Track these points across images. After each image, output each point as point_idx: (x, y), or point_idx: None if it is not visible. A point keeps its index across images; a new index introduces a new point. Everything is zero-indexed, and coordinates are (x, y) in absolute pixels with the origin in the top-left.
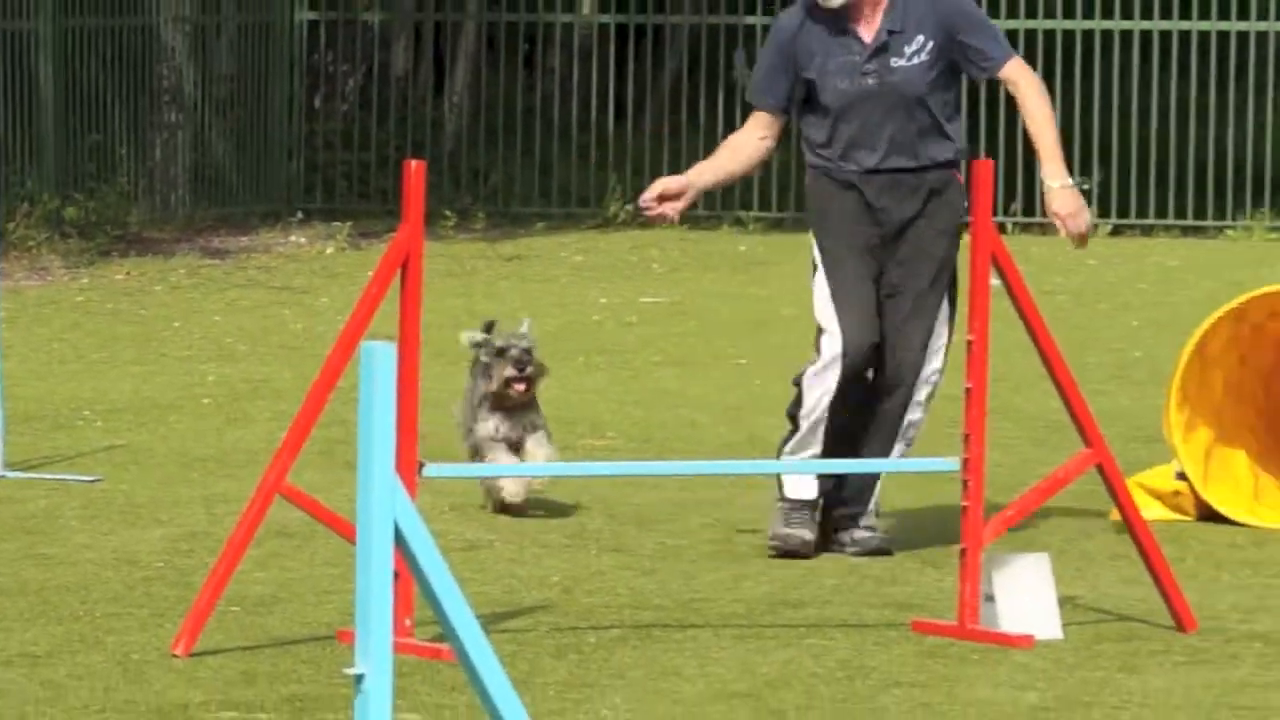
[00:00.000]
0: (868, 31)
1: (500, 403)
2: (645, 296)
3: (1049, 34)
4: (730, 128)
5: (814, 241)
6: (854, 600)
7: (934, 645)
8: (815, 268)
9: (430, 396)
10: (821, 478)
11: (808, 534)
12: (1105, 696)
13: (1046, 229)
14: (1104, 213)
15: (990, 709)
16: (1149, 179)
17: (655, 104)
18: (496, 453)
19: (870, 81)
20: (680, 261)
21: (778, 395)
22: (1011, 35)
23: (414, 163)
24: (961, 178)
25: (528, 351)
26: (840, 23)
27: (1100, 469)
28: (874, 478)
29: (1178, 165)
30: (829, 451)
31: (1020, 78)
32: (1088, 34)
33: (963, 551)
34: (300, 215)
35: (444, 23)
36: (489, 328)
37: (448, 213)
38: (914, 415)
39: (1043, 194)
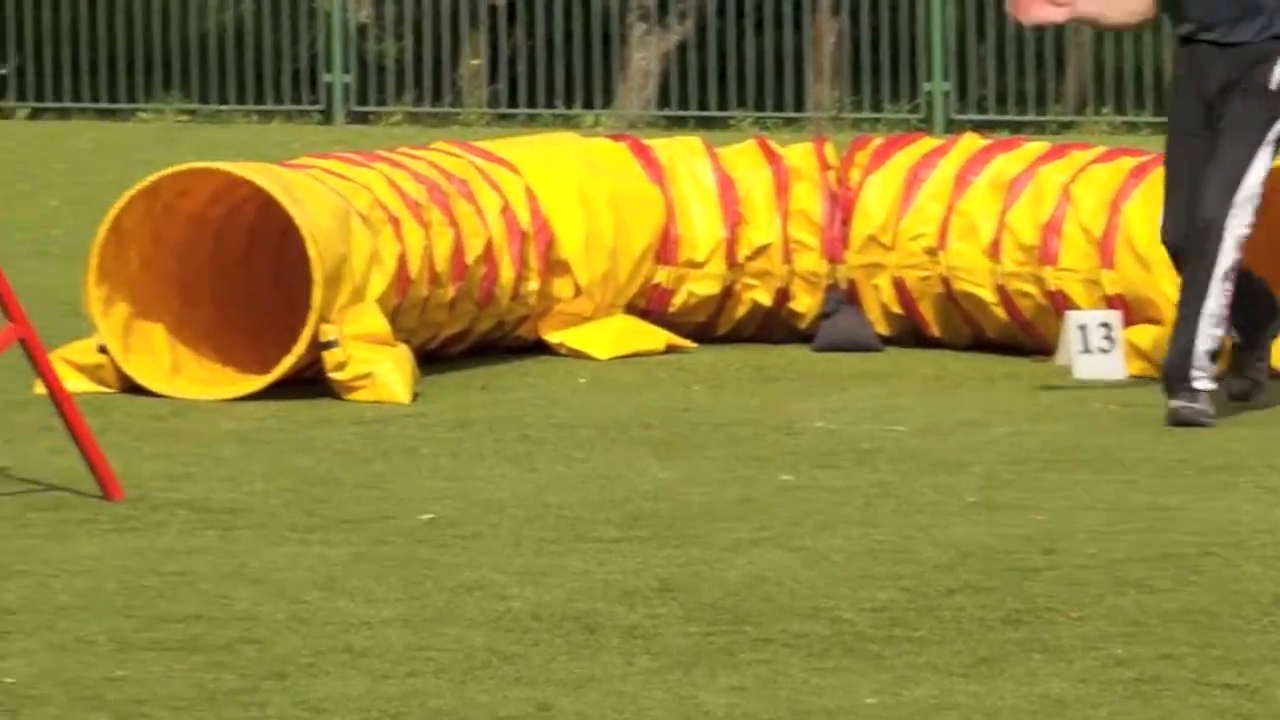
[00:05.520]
0: None
1: None
2: None
3: None
4: None
5: None
6: None
7: None
8: None
9: None
10: None
11: None
12: (36, 565)
13: None
14: (22, 96)
15: None
16: (65, 63)
17: None
18: None
19: None
20: None
21: None
22: None
23: None
24: None
25: None
26: None
27: (24, 343)
28: None
29: (91, 49)
30: None
31: None
32: None
33: None
34: None
35: None
36: None
37: None
38: None
39: None
